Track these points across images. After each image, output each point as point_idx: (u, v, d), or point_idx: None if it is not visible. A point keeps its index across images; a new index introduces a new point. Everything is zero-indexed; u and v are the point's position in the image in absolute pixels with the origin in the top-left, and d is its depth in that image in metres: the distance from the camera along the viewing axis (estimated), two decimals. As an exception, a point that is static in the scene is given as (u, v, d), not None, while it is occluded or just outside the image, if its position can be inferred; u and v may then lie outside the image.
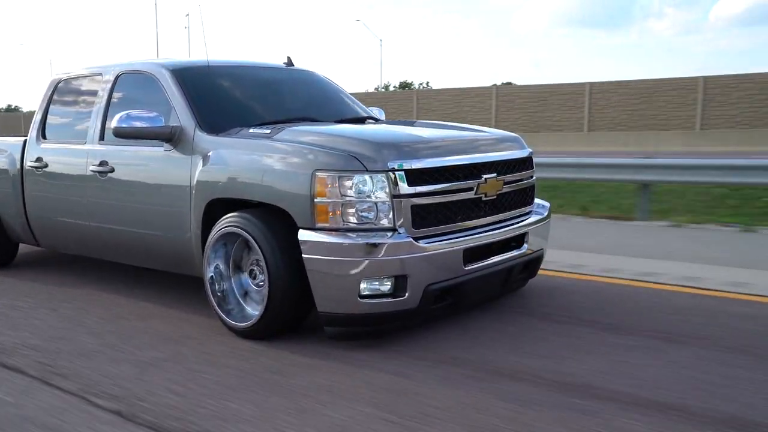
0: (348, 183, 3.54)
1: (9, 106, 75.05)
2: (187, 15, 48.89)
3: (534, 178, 4.54)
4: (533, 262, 4.50)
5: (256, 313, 3.85)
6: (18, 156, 5.54)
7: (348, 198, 3.54)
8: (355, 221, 3.56)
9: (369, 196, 3.55)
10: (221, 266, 4.05)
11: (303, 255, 3.58)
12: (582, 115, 32.28)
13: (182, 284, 5.09)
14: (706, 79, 29.23)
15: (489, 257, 3.99)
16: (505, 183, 4.13)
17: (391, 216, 3.57)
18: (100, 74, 5.13)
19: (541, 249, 4.54)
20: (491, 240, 3.99)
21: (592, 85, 31.66)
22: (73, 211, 5.07)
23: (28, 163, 5.43)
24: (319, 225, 3.57)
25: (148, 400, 3.07)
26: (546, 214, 4.62)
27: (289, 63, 5.63)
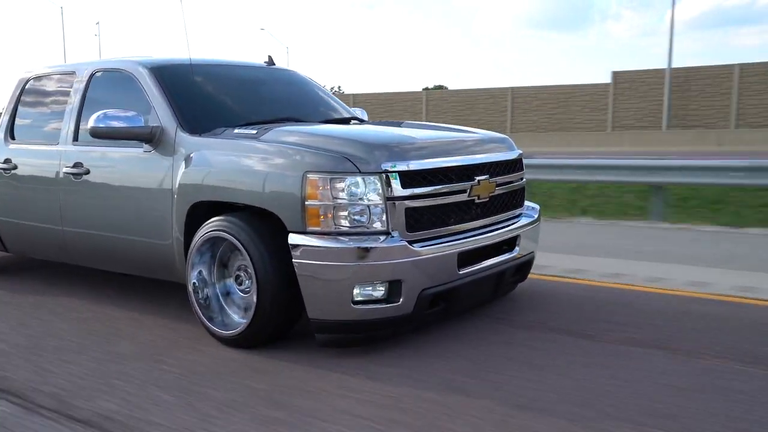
0: (340, 185, 3.42)
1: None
2: (97, 23, 47.96)
3: (524, 180, 4.47)
4: (524, 266, 4.43)
5: (244, 320, 3.71)
6: (-16, 158, 5.29)
7: (340, 200, 3.42)
8: (348, 224, 3.44)
9: (362, 199, 3.44)
10: (205, 272, 3.90)
11: (293, 260, 3.45)
12: (505, 118, 33.69)
13: (166, 291, 4.91)
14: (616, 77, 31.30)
15: (482, 261, 3.91)
16: (498, 185, 4.05)
17: (384, 219, 3.46)
18: (73, 72, 4.93)
19: (532, 252, 4.48)
20: (484, 243, 3.91)
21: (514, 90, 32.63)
22: (45, 214, 4.86)
23: (-4, 164, 5.19)
24: (311, 228, 3.44)
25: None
26: (536, 216, 4.56)
27: (270, 62, 5.49)
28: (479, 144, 4.21)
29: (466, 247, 3.76)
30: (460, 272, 3.72)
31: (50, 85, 5.13)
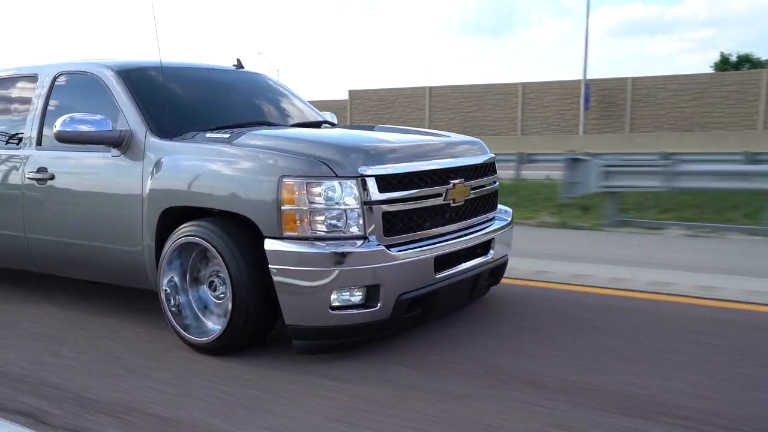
0: (316, 189, 3.39)
1: None
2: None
3: (497, 183, 4.49)
4: (498, 269, 4.45)
5: (218, 327, 3.65)
6: (-58, 163, 5.10)
7: (317, 205, 3.39)
8: (325, 229, 3.40)
9: (338, 203, 3.41)
10: (177, 279, 3.82)
11: (269, 265, 3.40)
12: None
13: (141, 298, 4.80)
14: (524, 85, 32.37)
15: (458, 264, 3.91)
16: (472, 189, 4.07)
17: (361, 223, 3.44)
18: (35, 75, 4.79)
19: (506, 255, 4.50)
20: (460, 247, 3.92)
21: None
22: (7, 222, 4.71)
23: (-45, 170, 5.00)
24: (287, 234, 3.40)
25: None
26: (509, 220, 4.58)
27: (239, 65, 5.43)
28: (453, 147, 4.21)
29: (443, 251, 3.75)
30: (437, 276, 3.72)
31: (11, 88, 4.97)
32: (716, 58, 51.32)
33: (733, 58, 45.42)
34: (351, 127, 5.08)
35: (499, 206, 4.64)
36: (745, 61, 44.26)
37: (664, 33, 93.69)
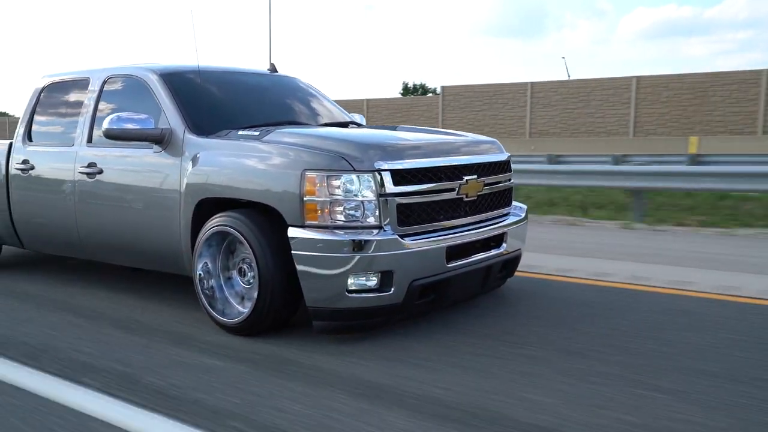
0: (336, 182, 3.68)
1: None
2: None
3: (512, 180, 4.73)
4: (511, 262, 4.68)
5: (246, 309, 3.97)
6: (3, 159, 5.59)
7: (336, 197, 3.68)
8: (343, 219, 3.70)
9: (356, 195, 3.70)
10: (210, 264, 4.16)
11: (292, 251, 3.71)
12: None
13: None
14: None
15: (470, 255, 4.16)
16: (485, 185, 4.31)
17: (377, 214, 3.72)
18: (88, 78, 5.21)
19: (519, 249, 4.73)
20: (472, 239, 4.16)
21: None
22: (60, 212, 5.13)
23: (14, 165, 5.48)
24: (308, 222, 3.70)
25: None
26: (523, 215, 4.81)
27: (273, 69, 5.78)
28: (468, 146, 4.47)
29: (454, 242, 4.01)
30: (449, 265, 3.98)
31: (66, 90, 5.41)
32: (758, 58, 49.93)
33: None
34: (375, 127, 5.37)
35: (515, 203, 4.86)
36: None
37: (700, 34, 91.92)
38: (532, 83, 32.06)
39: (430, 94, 45.21)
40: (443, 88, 35.03)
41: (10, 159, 5.53)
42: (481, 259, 4.25)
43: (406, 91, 55.29)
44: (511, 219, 4.61)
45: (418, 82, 57.45)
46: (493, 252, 4.37)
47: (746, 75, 26.99)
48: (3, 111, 72.93)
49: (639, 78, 29.70)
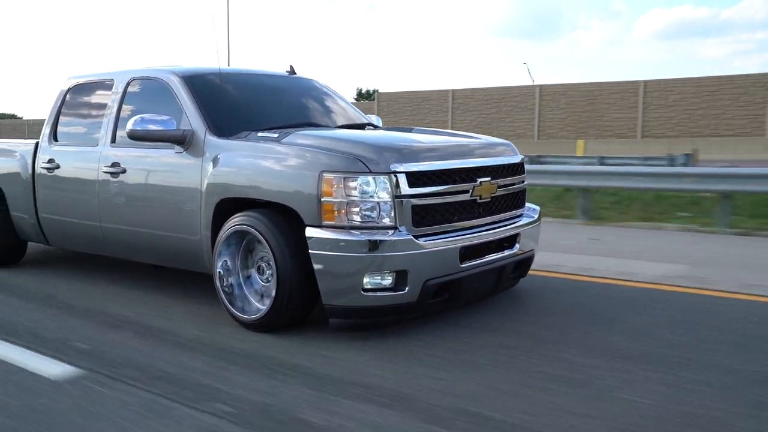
0: (353, 184, 3.78)
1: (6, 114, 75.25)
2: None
3: (525, 182, 4.80)
4: (524, 262, 4.75)
5: (264, 307, 4.08)
6: (30, 158, 5.75)
7: (352, 198, 3.78)
8: (359, 219, 3.80)
9: (372, 196, 3.80)
10: (229, 262, 4.27)
11: (310, 251, 3.82)
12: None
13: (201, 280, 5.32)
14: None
15: (483, 256, 4.24)
16: (499, 186, 4.39)
17: (392, 215, 3.82)
18: (112, 80, 5.35)
19: (532, 250, 4.80)
20: (485, 239, 4.24)
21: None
22: (84, 210, 5.28)
23: (40, 165, 5.64)
24: (326, 223, 3.81)
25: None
26: (536, 217, 4.88)
27: (292, 71, 5.89)
28: (482, 148, 4.55)
29: (468, 243, 4.10)
30: (462, 265, 4.06)
31: (91, 91, 5.56)
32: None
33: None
34: (391, 129, 5.47)
35: (528, 204, 4.94)
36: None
37: (717, 35, 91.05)
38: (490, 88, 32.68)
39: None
40: (379, 94, 36.85)
41: (36, 158, 5.69)
42: (494, 259, 4.33)
43: (360, 96, 60.94)
44: (524, 220, 4.69)
45: (371, 88, 61.98)
46: (507, 252, 4.45)
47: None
48: (12, 113, 74.44)
49: (646, 82, 29.79)
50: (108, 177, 5.03)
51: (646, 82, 30.34)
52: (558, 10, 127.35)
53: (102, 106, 5.33)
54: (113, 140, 5.11)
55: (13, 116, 73.97)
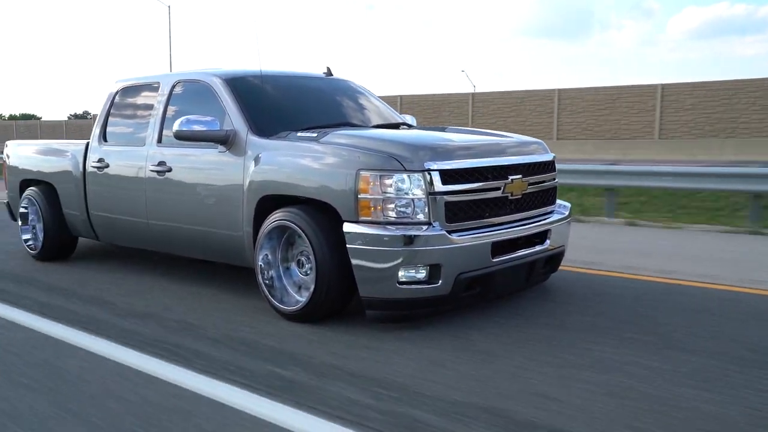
0: (388, 181, 3.95)
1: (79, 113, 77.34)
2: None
3: (556, 180, 4.92)
4: (555, 258, 4.87)
5: (303, 298, 4.28)
6: (81, 158, 6.05)
7: (388, 194, 3.95)
8: (395, 215, 3.97)
9: (407, 193, 3.96)
10: (270, 256, 4.48)
11: (347, 245, 4.00)
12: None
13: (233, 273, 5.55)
14: (664, 86, 30.66)
15: (514, 251, 4.38)
16: (530, 184, 4.52)
17: (426, 211, 3.98)
18: (158, 82, 5.61)
19: (563, 246, 4.92)
20: (516, 235, 4.38)
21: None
22: (132, 207, 5.55)
23: (90, 164, 5.93)
24: (362, 218, 3.98)
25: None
26: (567, 213, 4.99)
27: (329, 73, 6.08)
28: (514, 147, 4.68)
29: (499, 238, 4.23)
30: (494, 260, 4.20)
31: (138, 93, 5.84)
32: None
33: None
34: (425, 128, 5.62)
35: (559, 201, 5.05)
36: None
37: (755, 33, 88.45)
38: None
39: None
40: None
41: (87, 157, 5.99)
42: (525, 254, 4.46)
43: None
44: (554, 217, 4.81)
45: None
46: (537, 248, 4.58)
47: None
48: (33, 113, 76.88)
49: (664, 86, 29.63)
50: (155, 175, 5.28)
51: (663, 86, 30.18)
52: (588, 8, 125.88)
53: (149, 108, 5.59)
54: (159, 140, 5.37)
55: (32, 116, 76.53)
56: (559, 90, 34.48)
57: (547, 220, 4.70)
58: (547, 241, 4.65)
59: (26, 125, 56.02)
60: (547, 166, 4.79)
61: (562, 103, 34.30)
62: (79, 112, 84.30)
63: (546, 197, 4.78)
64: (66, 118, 57.10)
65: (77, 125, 52.00)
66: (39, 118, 68.82)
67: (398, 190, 3.96)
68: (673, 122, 31.28)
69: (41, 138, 29.75)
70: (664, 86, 30.90)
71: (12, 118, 75.00)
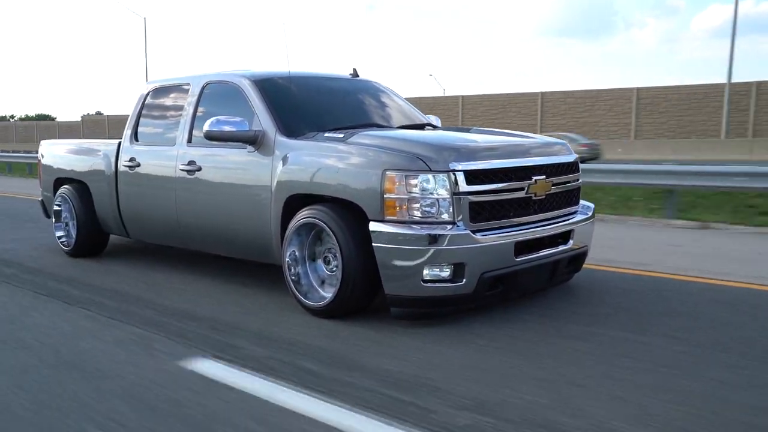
0: (414, 181, 4.03)
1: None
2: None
3: (579, 181, 4.95)
4: (578, 258, 4.91)
5: (329, 294, 4.37)
6: (113, 157, 6.21)
7: (413, 194, 4.03)
8: (420, 215, 4.04)
9: (432, 193, 4.04)
10: (297, 253, 4.57)
11: (373, 243, 4.08)
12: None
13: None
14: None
15: (538, 250, 4.43)
16: (553, 184, 4.56)
17: (451, 211, 4.05)
18: (188, 84, 5.75)
19: (586, 246, 4.95)
20: (540, 235, 4.43)
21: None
22: (163, 205, 5.69)
23: (122, 163, 6.09)
24: (388, 217, 4.06)
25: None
26: (590, 214, 5.03)
27: (355, 74, 6.17)
28: (538, 148, 4.73)
29: (523, 238, 4.29)
30: (517, 259, 4.26)
31: (169, 94, 5.98)
32: None
33: None
34: (450, 128, 5.69)
35: (582, 201, 5.09)
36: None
37: None
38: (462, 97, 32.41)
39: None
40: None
41: (119, 157, 6.14)
42: (548, 254, 4.51)
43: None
44: (578, 217, 4.85)
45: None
46: (561, 248, 4.62)
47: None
48: (48, 114, 78.48)
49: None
50: (185, 174, 5.41)
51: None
52: (610, 8, 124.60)
53: (179, 108, 5.73)
54: (189, 140, 5.50)
55: (47, 117, 78.23)
56: (542, 93, 35.11)
57: (571, 221, 4.74)
58: (571, 241, 4.69)
59: (45, 126, 57.80)
60: (571, 167, 4.83)
61: (545, 105, 34.82)
62: (92, 112, 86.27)
63: (570, 198, 4.82)
64: (80, 118, 58.97)
65: (93, 120, 53.71)
66: (54, 119, 70.57)
67: (423, 190, 4.03)
68: (648, 124, 31.64)
69: (60, 137, 30.42)
70: (639, 89, 31.56)
71: (28, 118, 77.06)
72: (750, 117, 30.28)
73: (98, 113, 73.63)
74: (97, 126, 53.40)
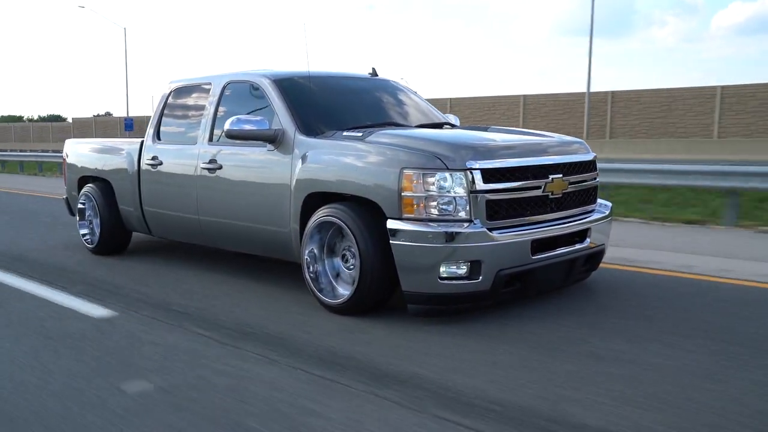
0: (431, 179, 4.07)
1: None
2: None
3: (597, 179, 4.96)
4: (595, 256, 4.92)
5: (347, 292, 4.43)
6: (135, 156, 6.33)
7: (431, 192, 4.07)
8: (437, 213, 4.08)
9: (449, 191, 4.08)
10: (316, 251, 4.64)
11: (390, 241, 4.13)
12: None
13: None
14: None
15: (554, 249, 4.45)
16: (570, 183, 4.58)
17: (468, 209, 4.09)
18: (210, 83, 5.84)
19: (603, 244, 4.96)
20: (556, 233, 4.45)
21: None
22: (184, 203, 5.79)
23: (145, 161, 6.20)
24: (405, 215, 4.11)
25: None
26: (607, 213, 5.04)
27: (374, 73, 6.23)
28: (555, 146, 4.75)
29: (539, 236, 4.32)
30: (533, 257, 4.29)
31: (191, 93, 6.07)
32: None
33: None
34: (467, 128, 5.72)
35: (600, 200, 5.10)
36: None
37: None
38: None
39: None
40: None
41: (142, 155, 6.25)
42: (565, 252, 4.53)
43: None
44: (595, 216, 4.86)
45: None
46: (577, 246, 4.64)
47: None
48: (58, 114, 79.96)
49: None
50: (206, 173, 5.50)
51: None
52: (631, 6, 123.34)
53: (200, 107, 5.82)
54: (210, 139, 5.58)
55: (59, 117, 79.89)
56: (524, 96, 35.64)
57: (588, 219, 4.76)
58: (587, 240, 4.71)
59: (60, 127, 59.42)
60: (588, 166, 4.84)
61: (526, 108, 35.40)
62: (101, 112, 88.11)
63: (587, 196, 4.84)
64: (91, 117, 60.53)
65: (103, 122, 55.30)
66: (65, 119, 72.33)
67: (440, 188, 4.08)
68: (622, 125, 32.22)
69: (75, 137, 31.41)
70: (613, 93, 33.05)
71: (41, 119, 78.70)
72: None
73: (107, 113, 75.09)
74: (107, 126, 54.80)
